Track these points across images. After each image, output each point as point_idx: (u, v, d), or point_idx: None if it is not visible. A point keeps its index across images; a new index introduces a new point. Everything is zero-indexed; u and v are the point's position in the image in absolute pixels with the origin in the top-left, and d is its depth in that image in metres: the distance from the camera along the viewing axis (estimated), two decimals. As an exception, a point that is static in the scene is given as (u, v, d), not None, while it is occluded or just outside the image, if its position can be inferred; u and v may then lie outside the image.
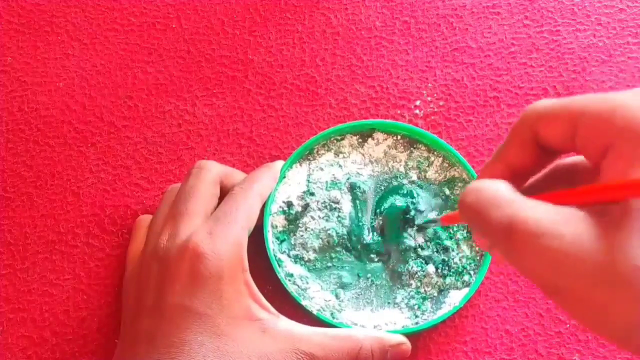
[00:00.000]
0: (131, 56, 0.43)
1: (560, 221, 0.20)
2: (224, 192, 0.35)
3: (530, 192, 0.25)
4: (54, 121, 0.42)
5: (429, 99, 0.42)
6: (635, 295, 0.18)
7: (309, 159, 0.39)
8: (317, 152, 0.39)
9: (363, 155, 0.39)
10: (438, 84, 0.42)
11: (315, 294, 0.36)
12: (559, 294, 0.20)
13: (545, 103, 0.23)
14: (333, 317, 0.35)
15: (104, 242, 0.38)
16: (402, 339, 0.33)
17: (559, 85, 0.42)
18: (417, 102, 0.42)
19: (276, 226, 0.37)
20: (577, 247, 0.19)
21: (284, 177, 0.38)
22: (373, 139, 0.40)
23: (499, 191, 0.22)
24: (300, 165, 0.39)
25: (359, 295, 0.36)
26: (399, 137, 0.40)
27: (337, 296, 0.36)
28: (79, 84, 0.43)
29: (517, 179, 0.24)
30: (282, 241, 0.37)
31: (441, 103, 0.42)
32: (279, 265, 0.36)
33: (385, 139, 0.40)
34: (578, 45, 0.43)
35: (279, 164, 0.37)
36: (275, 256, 0.36)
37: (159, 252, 0.32)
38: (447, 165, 0.39)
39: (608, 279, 0.19)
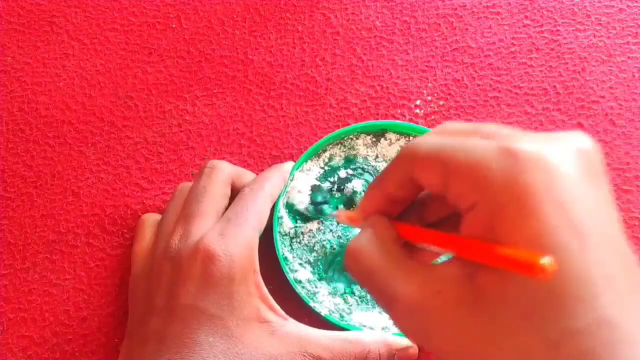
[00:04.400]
0: (131, 56, 0.43)
1: (430, 299, 0.21)
2: (235, 192, 0.35)
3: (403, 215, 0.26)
4: (54, 121, 0.42)
5: (429, 98, 0.42)
6: None
7: (322, 158, 0.39)
8: (331, 150, 0.39)
9: (377, 155, 0.40)
10: (438, 83, 0.42)
11: (324, 298, 0.36)
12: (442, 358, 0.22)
13: (422, 147, 0.23)
14: (342, 319, 0.35)
15: (104, 242, 0.38)
16: (409, 342, 0.34)
17: (559, 85, 0.42)
18: (418, 102, 0.42)
19: (285, 228, 0.37)
20: (445, 326, 0.20)
21: (292, 177, 0.38)
22: (386, 139, 0.40)
23: (376, 261, 0.23)
24: (312, 162, 0.39)
25: (367, 297, 0.36)
26: (410, 137, 0.40)
27: (345, 300, 0.36)
28: (79, 84, 0.43)
29: (396, 204, 0.25)
30: (290, 243, 0.37)
31: (441, 103, 0.42)
32: (289, 268, 0.36)
33: (398, 139, 0.40)
34: (578, 45, 0.43)
35: (289, 164, 0.38)
36: (285, 258, 0.36)
37: (171, 253, 0.32)
38: None
39: (474, 355, 0.20)
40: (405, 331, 0.22)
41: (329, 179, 0.39)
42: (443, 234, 0.23)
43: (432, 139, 0.23)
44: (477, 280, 0.20)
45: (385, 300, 0.22)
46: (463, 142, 0.21)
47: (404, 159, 0.24)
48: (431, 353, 0.23)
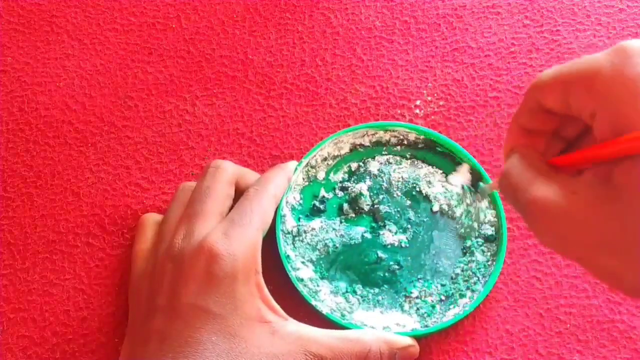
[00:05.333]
0: (131, 56, 0.43)
1: (565, 199, 0.22)
2: (238, 193, 0.35)
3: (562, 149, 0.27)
4: (54, 121, 0.42)
5: (429, 98, 0.42)
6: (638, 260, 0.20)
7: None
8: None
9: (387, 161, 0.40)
10: (438, 83, 0.42)
11: (326, 297, 0.36)
12: (577, 260, 0.23)
13: (545, 74, 0.24)
14: (343, 318, 0.35)
15: (104, 242, 0.38)
16: (410, 341, 0.34)
17: (559, 85, 0.42)
18: (418, 102, 0.42)
19: (288, 226, 0.37)
20: (581, 224, 0.21)
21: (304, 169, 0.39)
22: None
23: (519, 175, 0.24)
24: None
25: (369, 296, 0.36)
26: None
27: (347, 299, 0.36)
28: (79, 84, 0.43)
29: (534, 137, 0.26)
30: (293, 241, 0.37)
31: (441, 103, 0.42)
32: (291, 267, 0.36)
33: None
34: (578, 45, 0.43)
35: (292, 164, 0.38)
36: (287, 256, 0.36)
37: (174, 252, 0.32)
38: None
39: (611, 249, 0.21)
40: (539, 234, 0.23)
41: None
42: (578, 151, 0.24)
43: (550, 70, 0.24)
44: (612, 177, 0.21)
45: (522, 203, 0.23)
46: (578, 59, 0.23)
47: (531, 88, 0.25)
48: (565, 257, 0.23)
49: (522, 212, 0.24)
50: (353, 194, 0.38)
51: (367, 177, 0.39)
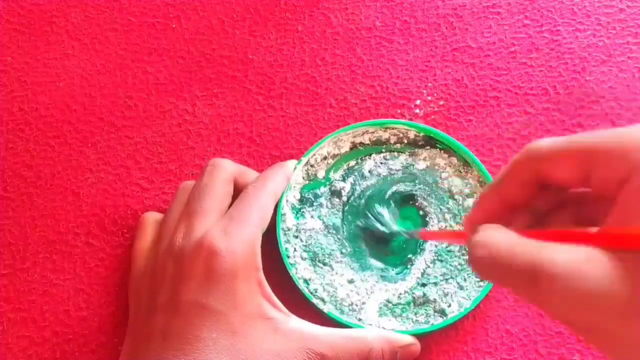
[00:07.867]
0: (131, 56, 0.43)
1: (582, 261, 0.19)
2: (238, 191, 0.35)
3: (531, 223, 0.24)
4: (54, 121, 0.42)
5: (429, 98, 0.42)
6: None
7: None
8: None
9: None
10: (438, 83, 0.42)
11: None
12: (590, 332, 0.20)
13: (549, 143, 0.22)
14: (343, 315, 0.35)
15: (104, 242, 0.38)
16: (412, 339, 0.34)
17: (559, 85, 0.42)
18: (417, 102, 0.42)
19: (288, 225, 0.37)
20: (603, 286, 0.19)
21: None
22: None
23: (510, 240, 0.21)
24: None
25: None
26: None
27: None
28: (79, 84, 0.43)
29: (510, 211, 0.24)
30: (294, 241, 0.37)
31: (441, 102, 0.42)
32: (291, 265, 0.36)
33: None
34: (578, 45, 0.43)
35: (292, 163, 0.38)
36: (287, 255, 0.36)
37: (174, 250, 0.32)
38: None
39: (636, 314, 0.18)
40: (548, 304, 0.20)
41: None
42: (577, 230, 0.21)
43: (554, 139, 0.22)
44: (630, 257, 0.19)
45: (527, 276, 0.20)
46: (600, 132, 0.21)
47: (529, 159, 0.23)
48: (577, 327, 0.21)
49: (524, 280, 0.20)
50: (333, 189, 0.38)
51: (357, 173, 0.39)
